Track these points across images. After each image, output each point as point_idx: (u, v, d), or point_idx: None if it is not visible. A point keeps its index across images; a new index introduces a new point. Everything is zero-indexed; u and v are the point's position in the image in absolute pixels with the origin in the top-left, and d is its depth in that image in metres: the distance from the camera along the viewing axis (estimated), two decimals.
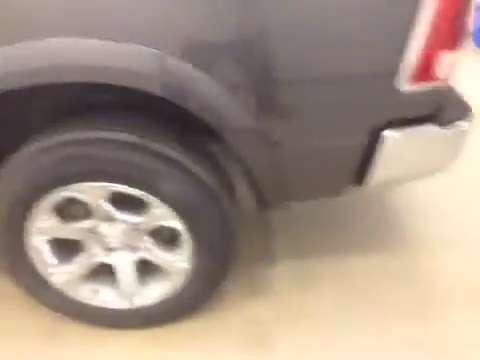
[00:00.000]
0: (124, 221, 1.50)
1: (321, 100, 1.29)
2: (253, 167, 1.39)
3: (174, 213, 1.43)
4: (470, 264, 1.95)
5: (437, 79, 1.31)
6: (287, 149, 1.35)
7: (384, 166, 1.42)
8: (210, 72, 1.21)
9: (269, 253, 1.92)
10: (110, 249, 1.58)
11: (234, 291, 1.82)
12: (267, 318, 1.75)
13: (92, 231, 1.52)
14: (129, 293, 1.61)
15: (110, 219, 1.49)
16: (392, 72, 1.26)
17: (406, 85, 1.28)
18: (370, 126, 1.34)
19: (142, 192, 1.39)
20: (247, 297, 1.81)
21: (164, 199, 1.40)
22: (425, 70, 1.28)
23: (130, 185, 1.38)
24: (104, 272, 1.62)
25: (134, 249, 1.57)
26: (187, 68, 1.20)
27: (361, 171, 1.45)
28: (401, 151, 1.40)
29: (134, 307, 1.63)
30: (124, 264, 1.59)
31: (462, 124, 1.44)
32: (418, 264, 1.95)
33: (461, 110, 1.48)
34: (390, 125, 1.36)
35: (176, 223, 1.45)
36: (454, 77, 1.40)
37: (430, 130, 1.38)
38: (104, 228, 1.52)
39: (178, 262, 1.55)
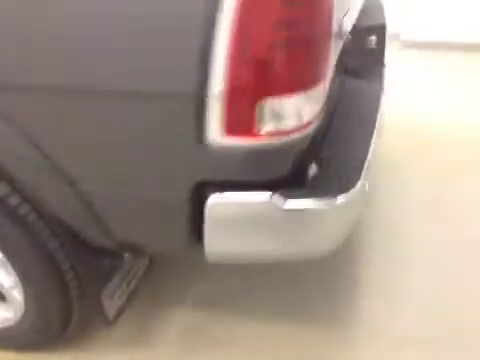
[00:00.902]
0: None
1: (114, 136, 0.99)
2: (55, 209, 1.15)
3: None
4: None
5: (267, 134, 0.92)
6: (88, 191, 1.08)
7: (215, 234, 1.06)
8: None
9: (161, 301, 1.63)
10: None
11: (114, 336, 1.55)
12: None
13: None
14: None
15: None
16: (192, 117, 0.91)
17: (217, 136, 0.92)
18: (184, 181, 1.00)
19: None
20: (126, 346, 1.54)
21: None
22: (239, 120, 0.90)
23: None
24: None
25: None
26: None
27: (197, 233, 1.10)
28: (231, 222, 1.04)
29: None
30: None
31: (335, 198, 1.01)
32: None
33: (338, 177, 1.04)
34: (219, 185, 1.00)
35: None
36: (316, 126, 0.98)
37: (268, 202, 0.99)
38: None
39: (12, 290, 1.37)
